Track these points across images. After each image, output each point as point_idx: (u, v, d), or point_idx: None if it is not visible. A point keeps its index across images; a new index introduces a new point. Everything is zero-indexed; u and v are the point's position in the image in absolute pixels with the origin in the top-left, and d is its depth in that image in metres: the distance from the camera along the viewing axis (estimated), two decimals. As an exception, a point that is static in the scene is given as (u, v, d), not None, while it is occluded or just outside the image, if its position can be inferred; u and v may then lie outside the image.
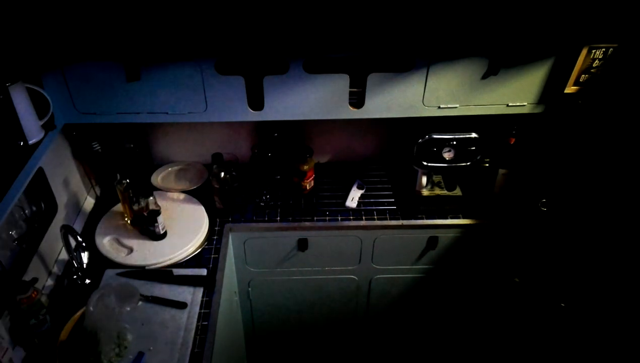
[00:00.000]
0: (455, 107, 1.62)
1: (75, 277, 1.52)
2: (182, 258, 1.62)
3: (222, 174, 1.72)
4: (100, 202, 1.88)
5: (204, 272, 1.57)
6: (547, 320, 1.70)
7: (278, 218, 1.81)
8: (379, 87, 1.56)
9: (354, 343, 2.28)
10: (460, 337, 2.23)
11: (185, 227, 1.70)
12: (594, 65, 1.51)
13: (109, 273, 1.55)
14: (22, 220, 1.42)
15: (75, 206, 1.76)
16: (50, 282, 1.51)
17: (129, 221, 1.71)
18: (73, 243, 1.47)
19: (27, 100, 1.36)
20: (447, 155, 1.69)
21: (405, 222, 1.79)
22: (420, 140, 1.67)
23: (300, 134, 2.00)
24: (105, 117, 1.60)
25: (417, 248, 1.89)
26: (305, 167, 1.82)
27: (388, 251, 1.89)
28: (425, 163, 1.71)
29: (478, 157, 1.71)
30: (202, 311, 1.44)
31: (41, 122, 1.45)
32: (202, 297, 1.48)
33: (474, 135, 1.66)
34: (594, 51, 1.48)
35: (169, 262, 1.60)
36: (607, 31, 1.45)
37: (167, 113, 1.60)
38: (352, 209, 1.84)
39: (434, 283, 2.01)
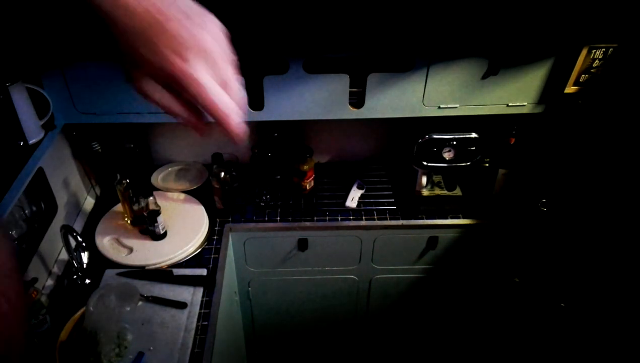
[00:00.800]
0: (455, 107, 1.61)
1: (75, 277, 1.52)
2: (182, 258, 1.62)
3: (222, 174, 1.72)
4: (100, 202, 1.88)
5: (204, 272, 1.57)
6: (547, 320, 1.70)
7: (278, 218, 1.81)
8: (379, 87, 1.56)
9: (354, 343, 2.28)
10: (460, 337, 2.23)
11: (185, 227, 1.70)
12: (594, 65, 1.51)
13: (109, 273, 1.55)
14: (22, 220, 1.42)
15: (75, 206, 1.76)
16: (50, 282, 1.51)
17: (129, 221, 1.71)
18: (73, 243, 1.46)
19: (27, 100, 1.36)
20: (447, 155, 1.69)
21: (405, 222, 1.79)
22: (420, 140, 1.67)
23: (300, 134, 1.99)
24: (105, 117, 1.60)
25: (417, 248, 1.89)
26: (305, 167, 1.82)
27: (388, 251, 1.88)
28: (425, 163, 1.71)
29: (478, 157, 1.71)
30: (202, 311, 1.44)
31: (41, 122, 1.45)
32: (202, 297, 1.48)
33: (474, 135, 1.66)
34: (594, 51, 1.48)
35: (169, 262, 1.60)
36: (607, 31, 1.45)
37: (167, 113, 1.60)
38: (352, 209, 1.84)
39: (434, 283, 2.01)
